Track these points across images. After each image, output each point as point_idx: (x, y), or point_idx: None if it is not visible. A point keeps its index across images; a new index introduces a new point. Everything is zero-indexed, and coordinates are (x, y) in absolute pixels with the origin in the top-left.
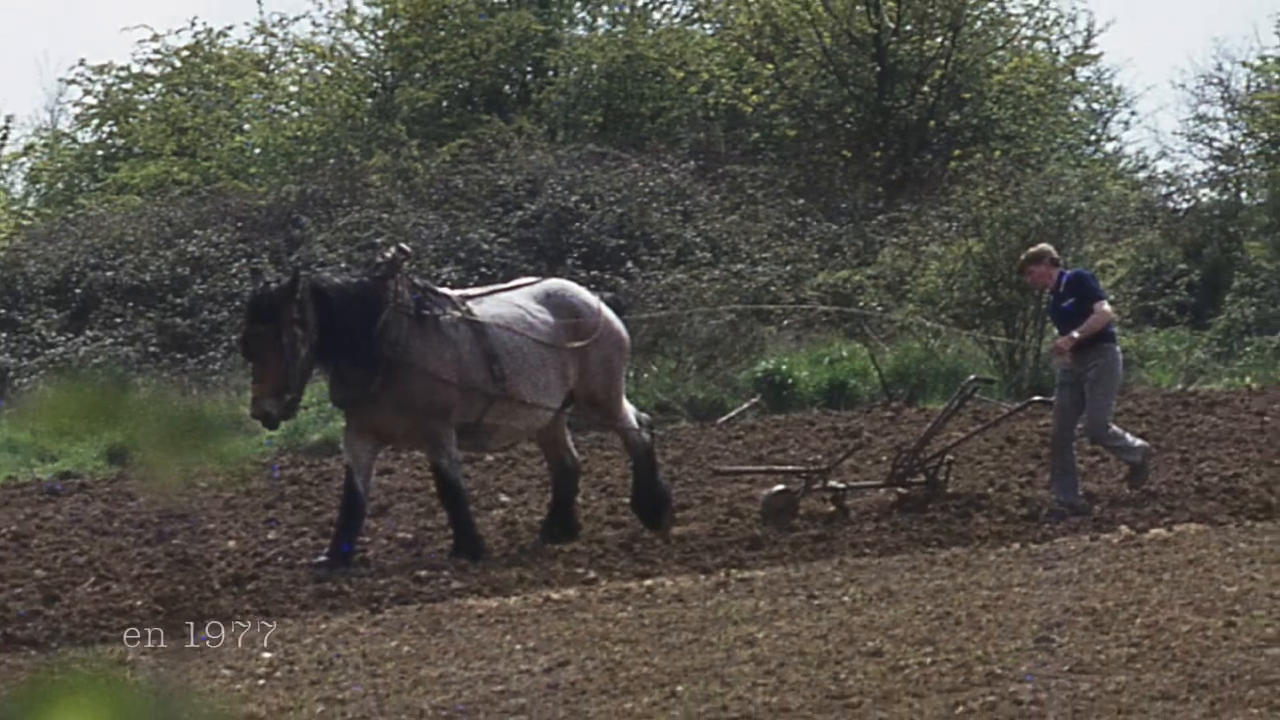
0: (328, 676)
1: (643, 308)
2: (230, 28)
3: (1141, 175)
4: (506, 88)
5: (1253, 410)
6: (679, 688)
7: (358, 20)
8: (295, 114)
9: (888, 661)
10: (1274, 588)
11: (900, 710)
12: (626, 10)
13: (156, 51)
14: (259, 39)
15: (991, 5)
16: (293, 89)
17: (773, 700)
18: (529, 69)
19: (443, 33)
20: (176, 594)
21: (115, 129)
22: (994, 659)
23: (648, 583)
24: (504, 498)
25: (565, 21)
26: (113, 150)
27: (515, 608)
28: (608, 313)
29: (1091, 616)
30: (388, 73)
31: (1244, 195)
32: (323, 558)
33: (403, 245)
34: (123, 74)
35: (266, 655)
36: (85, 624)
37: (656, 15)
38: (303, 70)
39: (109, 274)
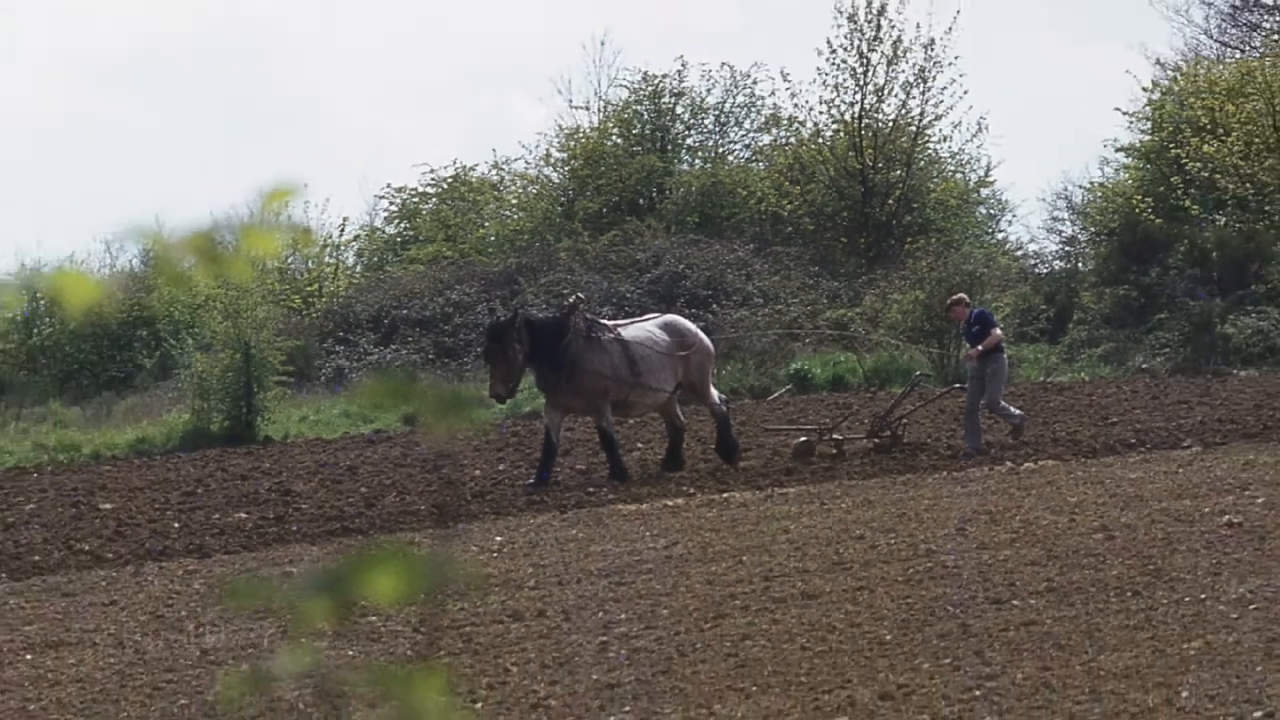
0: (535, 551)
1: (722, 331)
2: (475, 165)
3: (1018, 254)
4: (641, 200)
5: (1085, 393)
6: (743, 558)
7: (553, 160)
8: (514, 216)
9: (868, 542)
10: (1097, 499)
11: (875, 571)
12: (711, 156)
13: (432, 178)
14: (493, 171)
15: (930, 151)
16: (513, 201)
17: (798, 566)
18: (654, 189)
19: (602, 168)
20: (445, 502)
21: (407, 225)
22: (931, 541)
23: (724, 495)
24: (639, 445)
25: (675, 161)
26: (406, 237)
27: (645, 510)
28: (701, 334)
29: (989, 516)
30: (570, 191)
31: (1080, 265)
32: (531, 481)
33: (579, 295)
34: (412, 192)
35: (498, 539)
36: (390, 520)
37: (730, 158)
38: (519, 190)
39: (404, 311)
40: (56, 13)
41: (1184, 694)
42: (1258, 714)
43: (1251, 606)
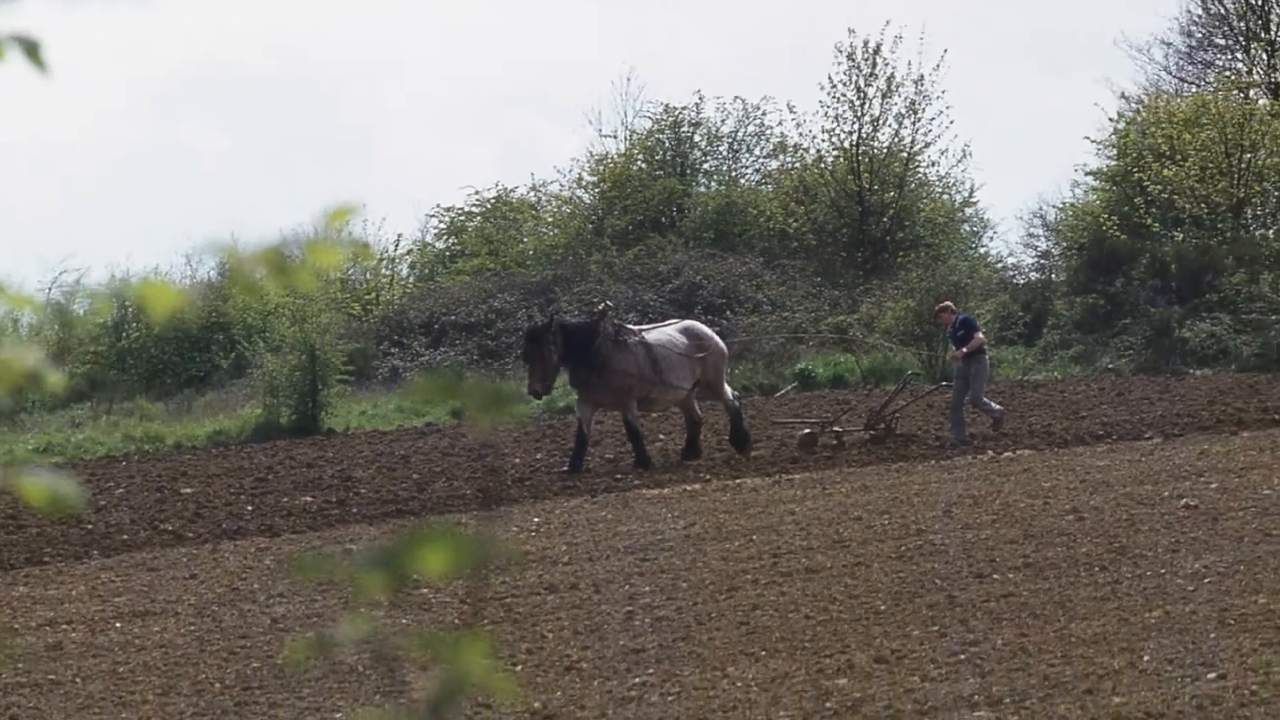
0: (568, 531)
1: (734, 335)
2: (515, 187)
3: (998, 266)
4: (663, 219)
5: (1058, 390)
6: (753, 537)
7: (584, 183)
8: (550, 233)
9: (864, 523)
10: (1069, 484)
11: (871, 549)
12: (725, 179)
13: (477, 198)
14: (531, 192)
15: (919, 175)
16: (549, 219)
17: (803, 544)
18: (675, 209)
19: (628, 189)
20: (488, 488)
21: (455, 240)
22: (921, 522)
23: (737, 481)
24: (661, 436)
25: (693, 184)
26: (454, 251)
27: (667, 494)
28: (716, 338)
29: (972, 499)
30: (600, 211)
31: (1053, 276)
32: (565, 469)
33: (608, 303)
34: (459, 211)
35: (535, 520)
36: (439, 503)
37: (742, 181)
38: (554, 209)
39: (452, 317)
40: (154, 40)
41: (1145, 658)
42: (1211, 675)
43: (1206, 580)
